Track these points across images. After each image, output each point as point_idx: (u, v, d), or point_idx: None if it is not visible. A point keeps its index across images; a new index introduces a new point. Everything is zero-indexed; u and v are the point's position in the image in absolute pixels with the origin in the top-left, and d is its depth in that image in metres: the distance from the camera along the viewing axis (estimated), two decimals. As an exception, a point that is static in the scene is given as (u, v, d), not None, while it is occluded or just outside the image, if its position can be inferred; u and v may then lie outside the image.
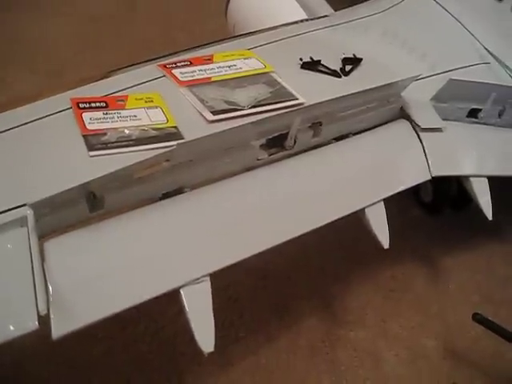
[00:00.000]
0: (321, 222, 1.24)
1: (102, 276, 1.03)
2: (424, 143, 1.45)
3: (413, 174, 1.43)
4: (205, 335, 1.04)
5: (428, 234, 1.85)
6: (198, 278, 1.07)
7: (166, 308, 1.48)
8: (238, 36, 1.70)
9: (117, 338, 1.50)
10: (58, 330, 0.93)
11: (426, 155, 1.44)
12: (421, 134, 1.46)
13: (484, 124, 1.58)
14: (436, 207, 1.88)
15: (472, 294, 1.70)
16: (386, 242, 1.31)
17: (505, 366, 1.52)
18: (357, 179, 1.36)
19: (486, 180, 1.48)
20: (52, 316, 0.93)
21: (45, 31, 2.79)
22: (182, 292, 1.05)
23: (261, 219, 1.21)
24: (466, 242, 1.81)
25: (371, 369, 1.52)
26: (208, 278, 1.08)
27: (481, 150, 1.55)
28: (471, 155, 1.52)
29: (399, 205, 1.70)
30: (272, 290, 1.65)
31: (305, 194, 1.28)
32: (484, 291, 1.70)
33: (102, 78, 1.38)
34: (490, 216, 1.46)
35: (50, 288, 0.95)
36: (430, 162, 1.43)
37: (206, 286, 1.07)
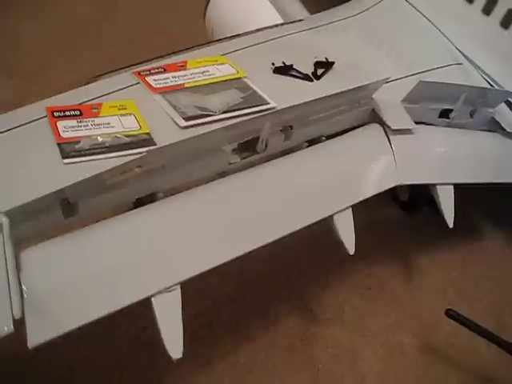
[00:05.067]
0: (288, 230, 1.26)
1: (75, 286, 1.05)
2: (394, 150, 1.46)
3: (382, 180, 1.44)
4: (174, 342, 1.08)
5: (404, 233, 1.88)
6: (169, 287, 1.10)
7: (147, 309, 1.49)
8: (214, 41, 1.73)
9: (98, 340, 1.51)
10: (33, 340, 0.96)
11: (395, 161, 1.45)
12: (391, 137, 1.47)
13: (456, 124, 1.61)
14: (412, 206, 1.91)
15: (447, 291, 1.73)
16: (351, 249, 1.33)
17: (478, 361, 1.56)
18: (326, 187, 1.38)
19: (452, 188, 1.50)
20: (28, 325, 0.95)
21: (24, 34, 2.77)
22: (153, 300, 1.08)
23: (229, 228, 1.22)
24: (442, 241, 1.84)
25: (348, 366, 1.55)
26: (178, 287, 1.10)
27: (449, 156, 1.57)
28: (439, 163, 1.54)
29: (376, 203, 1.73)
30: (250, 291, 1.67)
31: (274, 203, 1.30)
32: (459, 288, 1.74)
33: (87, 83, 1.41)
34: (451, 224, 1.48)
35: (25, 296, 0.97)
36: (397, 169, 1.44)
37: (177, 295, 1.10)
